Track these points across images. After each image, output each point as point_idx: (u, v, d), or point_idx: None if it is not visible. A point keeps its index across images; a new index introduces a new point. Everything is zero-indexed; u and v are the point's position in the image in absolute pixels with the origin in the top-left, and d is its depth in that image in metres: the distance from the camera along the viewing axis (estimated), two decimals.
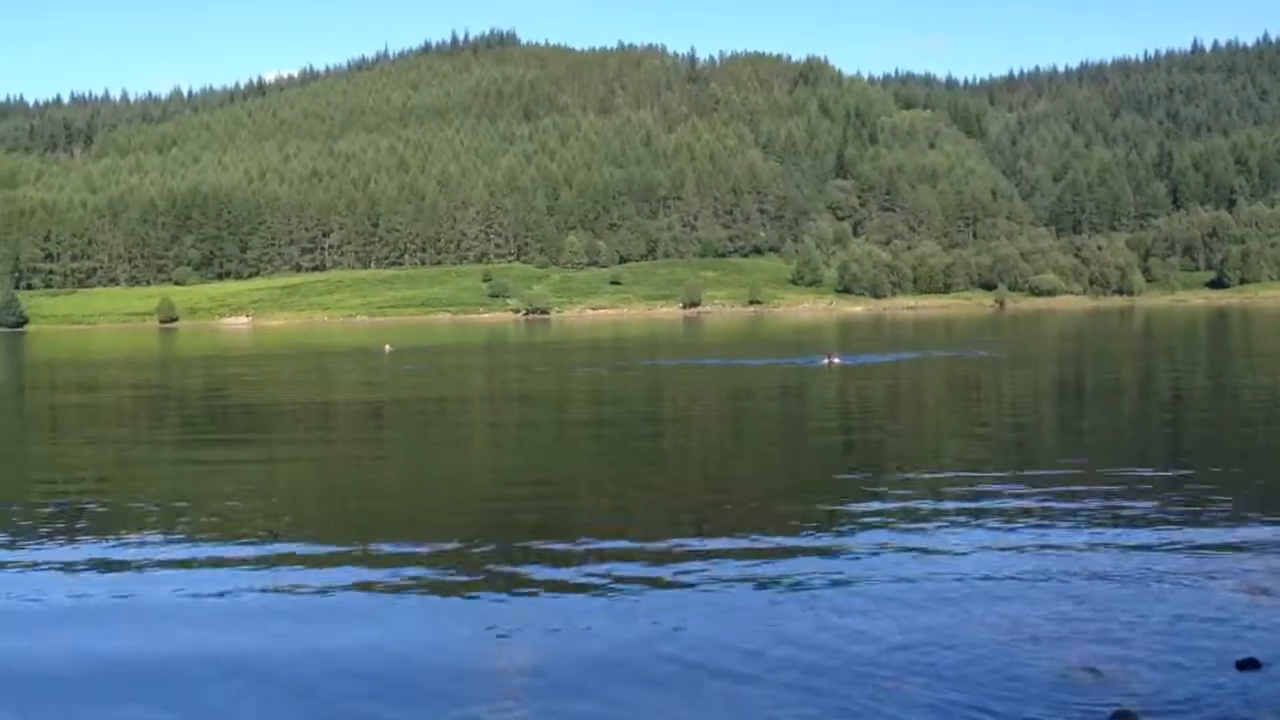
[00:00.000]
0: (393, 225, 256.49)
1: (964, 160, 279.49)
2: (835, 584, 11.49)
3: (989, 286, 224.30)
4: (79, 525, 15.53)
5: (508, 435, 28.02)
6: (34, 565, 13.27)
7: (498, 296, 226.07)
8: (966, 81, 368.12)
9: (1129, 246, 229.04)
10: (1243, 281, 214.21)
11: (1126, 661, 9.08)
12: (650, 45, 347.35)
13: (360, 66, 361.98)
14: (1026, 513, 14.90)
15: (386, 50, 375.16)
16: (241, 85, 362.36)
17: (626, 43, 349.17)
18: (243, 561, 13.10)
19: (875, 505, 15.63)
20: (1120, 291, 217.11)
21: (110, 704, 8.82)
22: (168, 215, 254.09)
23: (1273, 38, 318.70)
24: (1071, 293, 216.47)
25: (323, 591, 11.70)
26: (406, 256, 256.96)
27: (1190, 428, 25.68)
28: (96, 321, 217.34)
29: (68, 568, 13.11)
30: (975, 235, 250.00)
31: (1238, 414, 27.72)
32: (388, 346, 77.61)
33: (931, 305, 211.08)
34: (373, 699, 8.68)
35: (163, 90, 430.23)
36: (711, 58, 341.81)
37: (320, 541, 14.08)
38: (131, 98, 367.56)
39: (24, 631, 10.81)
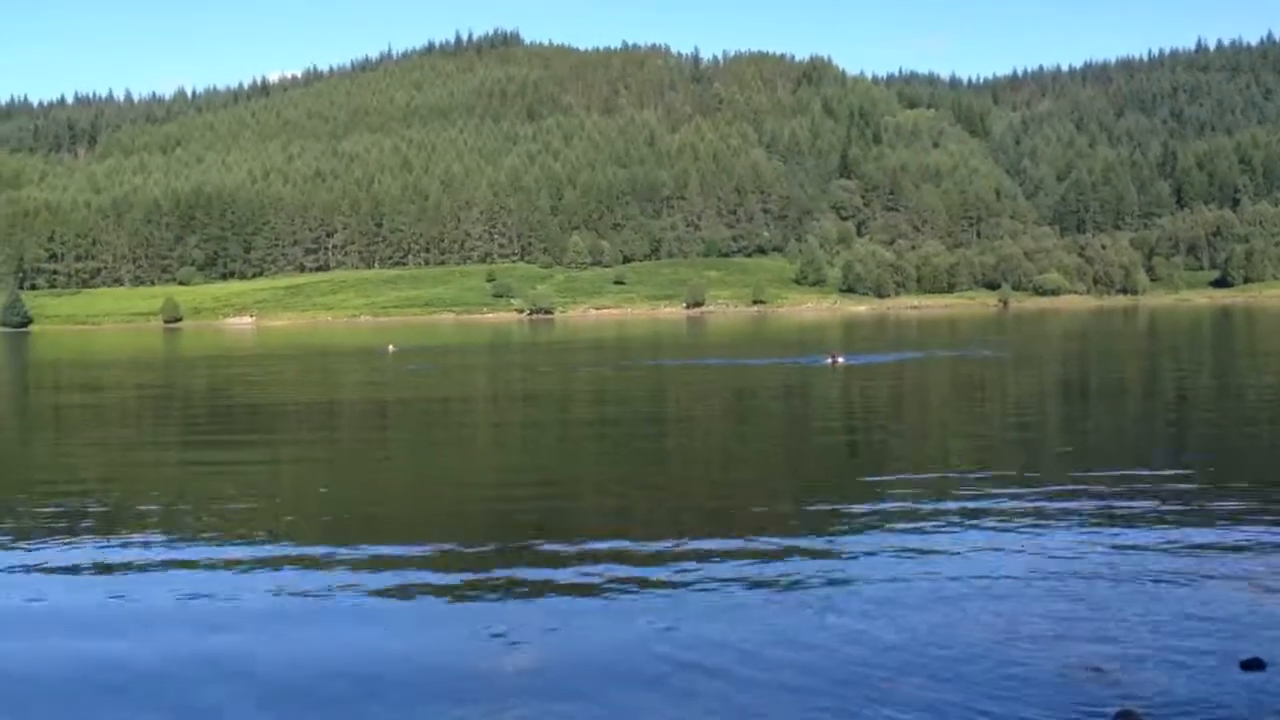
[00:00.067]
0: (396, 225, 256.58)
1: (968, 160, 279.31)
2: (835, 585, 11.47)
3: (993, 286, 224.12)
4: (80, 526, 15.52)
5: (511, 435, 28.00)
6: (35, 567, 13.25)
7: (501, 296, 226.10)
8: (970, 81, 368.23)
9: (1133, 246, 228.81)
10: (1247, 281, 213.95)
11: (1130, 661, 9.06)
12: (654, 45, 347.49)
13: (364, 66, 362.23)
14: (1029, 513, 14.86)
15: (390, 50, 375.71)
16: (245, 85, 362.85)
17: (630, 43, 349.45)
18: (244, 563, 13.08)
19: (877, 506, 15.60)
20: (1124, 291, 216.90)
21: (109, 707, 8.79)
22: (172, 215, 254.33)
23: (1277, 37, 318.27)
24: (1075, 292, 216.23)
25: (324, 593, 11.68)
26: (410, 256, 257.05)
27: (1194, 428, 25.64)
28: (101, 322, 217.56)
29: (69, 569, 13.09)
30: (979, 235, 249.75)
31: (1242, 414, 27.66)
32: (391, 347, 77.59)
33: (935, 305, 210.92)
34: (371, 700, 8.66)
35: (167, 91, 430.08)
36: (715, 57, 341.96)
37: (322, 543, 14.07)
38: (135, 98, 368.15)
39: (23, 633, 10.79)
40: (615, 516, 15.64)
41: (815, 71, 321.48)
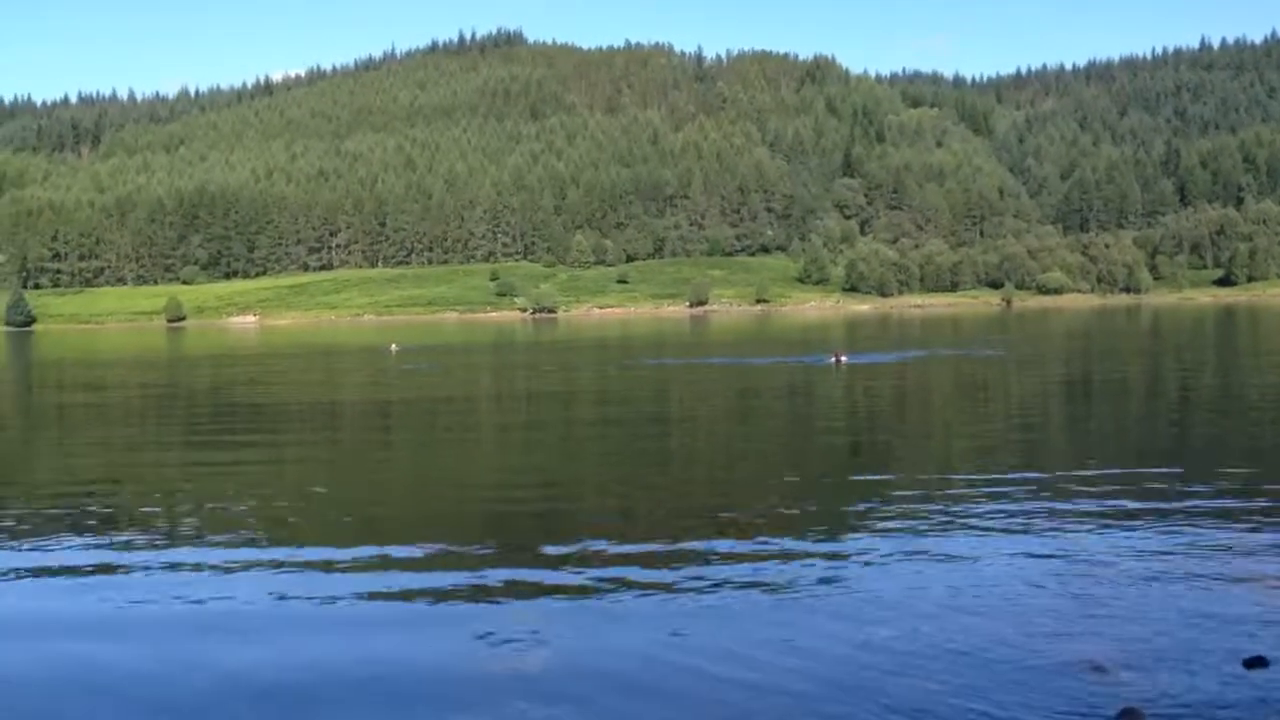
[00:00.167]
0: (400, 224, 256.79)
1: (971, 158, 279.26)
2: (836, 587, 11.44)
3: (996, 285, 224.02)
4: (81, 527, 15.51)
5: (513, 435, 27.99)
6: (34, 568, 13.24)
7: (505, 295, 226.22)
8: (974, 80, 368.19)
9: (1136, 244, 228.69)
10: (1250, 279, 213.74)
11: (1133, 659, 9.05)
12: (657, 44, 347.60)
13: (367, 66, 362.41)
14: (1032, 513, 14.84)
15: (393, 50, 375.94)
16: (249, 85, 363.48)
17: (633, 42, 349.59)
18: (244, 564, 13.06)
19: (879, 507, 15.58)
20: (1127, 289, 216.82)
21: (104, 710, 8.75)
22: (175, 215, 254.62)
23: None
24: (1079, 291, 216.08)
25: (323, 596, 11.66)
26: (413, 256, 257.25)
27: (1198, 427, 25.61)
28: (104, 321, 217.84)
29: (68, 570, 13.07)
30: (982, 233, 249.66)
31: (1246, 413, 27.63)
32: (394, 346, 77.59)
33: (938, 304, 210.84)
34: (368, 703, 8.63)
35: (170, 90, 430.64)
36: (719, 56, 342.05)
37: (322, 544, 14.06)
38: (139, 98, 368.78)
39: (19, 635, 10.77)
40: (616, 518, 15.62)
41: (819, 70, 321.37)
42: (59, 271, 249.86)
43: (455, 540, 14.10)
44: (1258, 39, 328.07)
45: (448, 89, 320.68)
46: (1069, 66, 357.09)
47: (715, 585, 11.65)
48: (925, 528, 14.17)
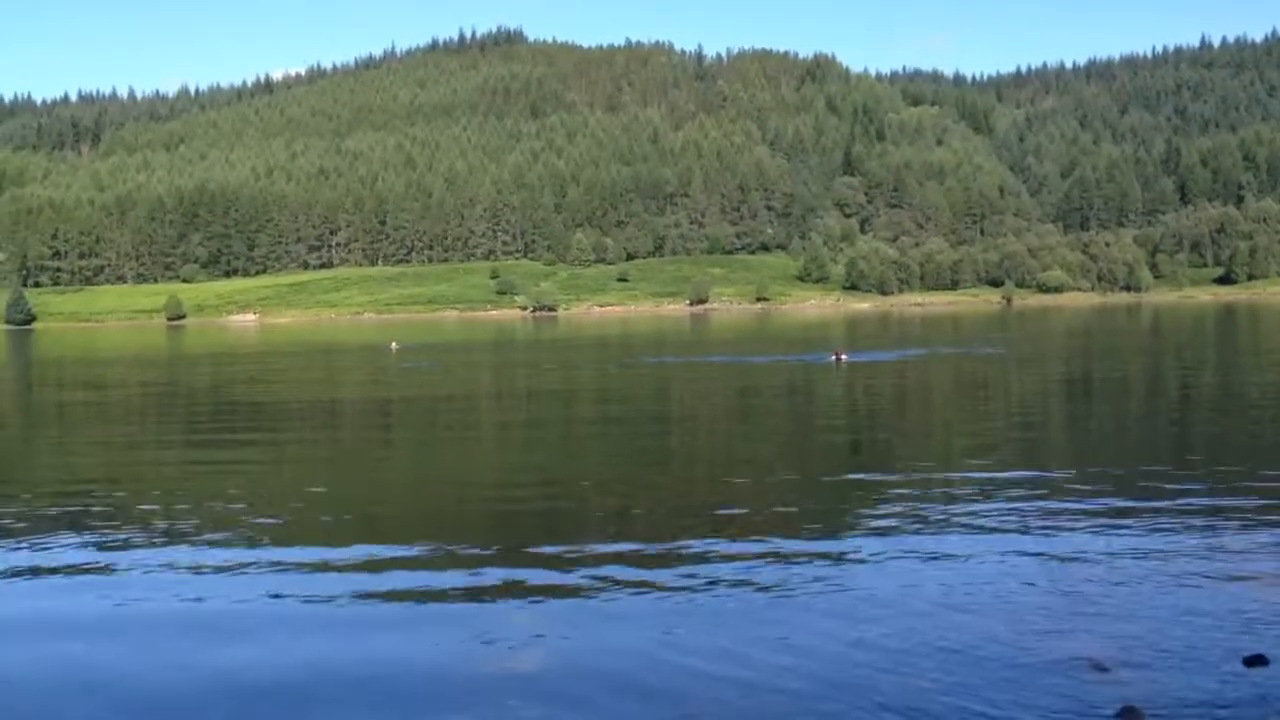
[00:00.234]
0: (400, 223, 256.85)
1: (971, 157, 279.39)
2: (836, 587, 11.41)
3: (996, 283, 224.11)
4: (80, 526, 15.49)
5: (514, 434, 28.00)
6: (32, 568, 13.21)
7: (505, 294, 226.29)
8: (974, 78, 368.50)
9: (1137, 243, 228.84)
10: (1250, 278, 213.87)
11: (1133, 658, 9.04)
12: (657, 42, 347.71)
13: (367, 64, 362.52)
14: (1030, 511, 14.83)
15: (394, 48, 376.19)
16: (249, 83, 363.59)
17: (634, 40, 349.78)
18: (243, 564, 13.03)
19: (879, 507, 15.57)
20: (1128, 288, 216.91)
21: (98, 713, 8.72)
22: (175, 213, 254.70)
23: None
24: (1079, 289, 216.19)
25: (321, 596, 11.63)
26: (414, 254, 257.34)
27: (1198, 426, 25.60)
28: (104, 319, 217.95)
29: (66, 570, 13.05)
30: (983, 232, 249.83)
31: (1246, 412, 27.63)
32: (395, 344, 77.59)
33: (939, 302, 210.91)
34: (364, 704, 8.60)
35: (170, 88, 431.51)
36: (719, 55, 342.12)
37: (321, 544, 14.04)
38: (139, 96, 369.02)
39: (14, 637, 10.75)
40: (616, 517, 15.61)
41: (819, 69, 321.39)
42: (59, 270, 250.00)
43: (454, 539, 14.10)
44: (1258, 37, 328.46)
45: (448, 87, 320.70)
46: (1069, 65, 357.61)
47: (712, 584, 11.64)
48: (923, 526, 14.16)
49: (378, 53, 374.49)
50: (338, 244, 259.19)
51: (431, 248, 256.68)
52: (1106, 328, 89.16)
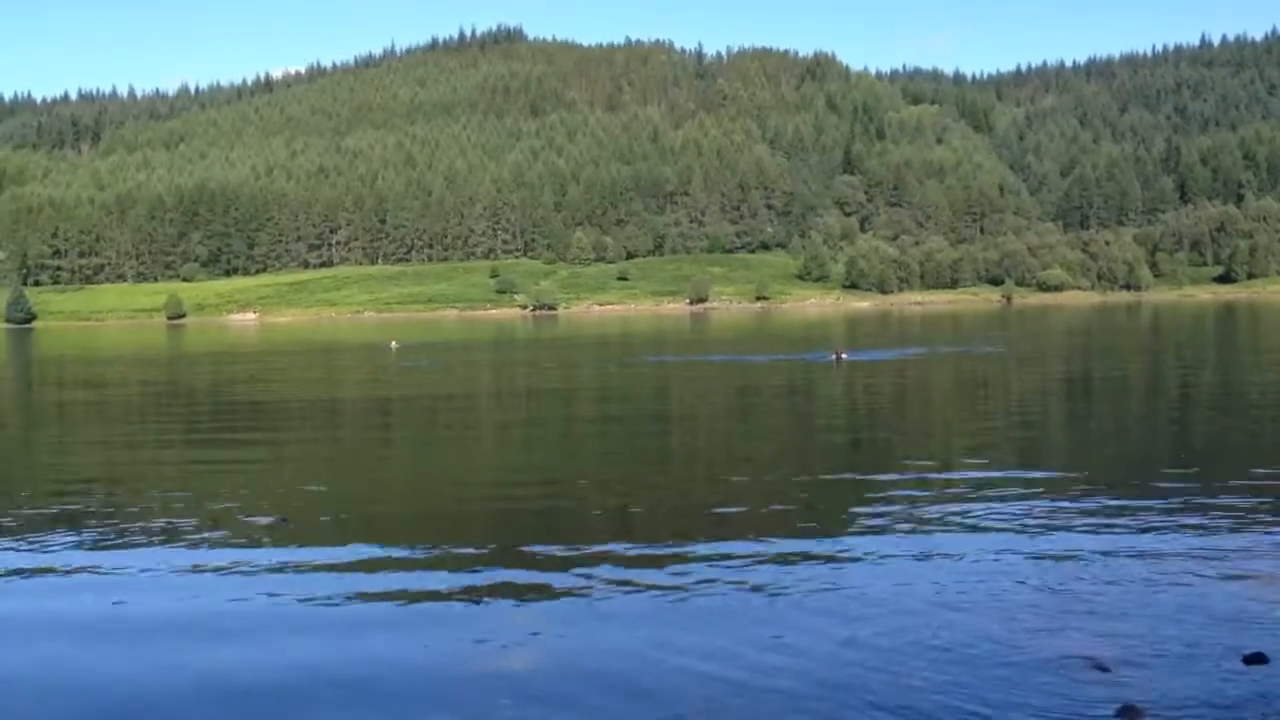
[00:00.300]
0: (400, 221, 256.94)
1: (971, 155, 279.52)
2: (834, 588, 11.38)
3: (996, 282, 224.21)
4: (78, 527, 15.46)
5: (514, 433, 27.99)
6: (31, 568, 13.19)
7: (505, 293, 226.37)
8: (974, 77, 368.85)
9: (1136, 241, 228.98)
10: (1250, 276, 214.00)
11: (1132, 657, 9.02)
12: (657, 41, 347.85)
13: (367, 63, 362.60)
14: (1029, 510, 14.81)
15: (394, 47, 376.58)
16: (249, 82, 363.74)
17: (634, 38, 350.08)
18: (240, 565, 13.00)
19: (879, 506, 15.55)
20: (1128, 287, 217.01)
21: (99, 717, 8.71)
22: (175, 212, 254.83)
23: None
24: (1079, 288, 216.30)
25: (319, 597, 11.61)
26: (414, 253, 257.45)
27: (1197, 425, 25.60)
28: (104, 318, 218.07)
29: (63, 571, 13.03)
30: (982, 230, 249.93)
31: (1246, 411, 27.63)
32: (394, 343, 77.59)
33: (939, 301, 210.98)
34: (361, 706, 8.57)
35: (170, 87, 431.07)
36: (719, 53, 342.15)
37: (320, 544, 14.02)
38: (139, 94, 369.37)
39: (14, 636, 10.72)
40: (616, 517, 15.60)
41: (819, 67, 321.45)
42: (59, 268, 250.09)
43: (453, 539, 14.09)
44: (1258, 36, 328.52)
45: (448, 86, 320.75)
46: (1069, 63, 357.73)
47: (708, 584, 11.62)
48: (920, 525, 14.15)
49: (378, 51, 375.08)
50: (338, 243, 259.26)
51: (431, 246, 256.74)
52: (1106, 326, 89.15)
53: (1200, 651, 9.11)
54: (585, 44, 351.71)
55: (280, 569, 12.78)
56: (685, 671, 9.03)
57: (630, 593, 11.40)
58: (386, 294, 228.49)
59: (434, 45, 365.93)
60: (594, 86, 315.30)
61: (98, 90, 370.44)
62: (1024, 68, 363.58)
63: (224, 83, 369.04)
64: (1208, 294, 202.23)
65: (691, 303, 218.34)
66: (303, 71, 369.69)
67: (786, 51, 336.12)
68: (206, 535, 14.60)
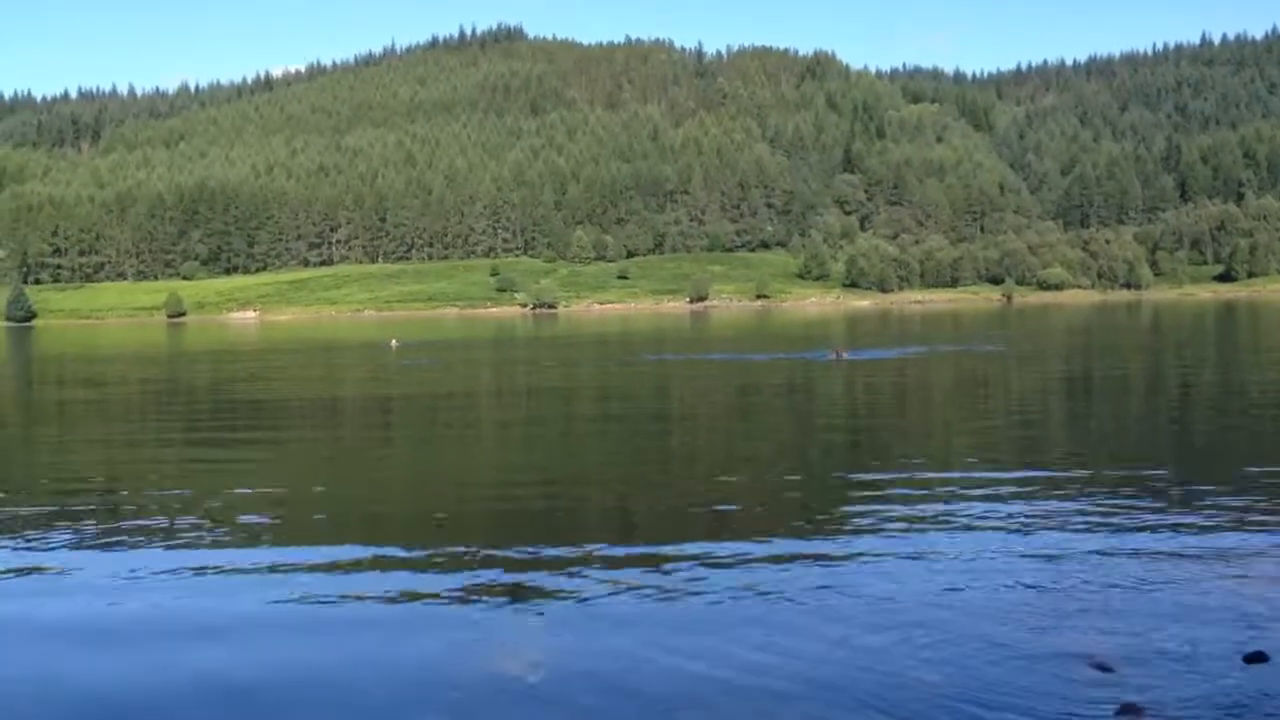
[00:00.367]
0: (400, 220, 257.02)
1: (971, 154, 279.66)
2: (834, 589, 11.34)
3: (996, 280, 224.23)
4: (76, 527, 15.43)
5: (514, 432, 27.98)
6: (30, 568, 13.17)
7: (505, 291, 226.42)
8: (974, 75, 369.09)
9: (1137, 240, 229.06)
10: (1250, 275, 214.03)
11: (1132, 656, 9.01)
12: (657, 40, 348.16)
13: (367, 62, 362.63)
14: (1028, 510, 14.80)
15: (394, 45, 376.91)
16: (249, 80, 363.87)
17: (634, 37, 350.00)
18: (239, 566, 12.97)
19: (879, 506, 15.53)
20: (1128, 285, 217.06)
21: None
22: (175, 210, 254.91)
23: None
24: (1079, 286, 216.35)
25: (317, 597, 11.59)
26: (414, 251, 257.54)
27: (1198, 424, 25.58)
28: (104, 316, 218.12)
29: (60, 571, 13.01)
30: (983, 229, 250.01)
31: (1246, 410, 27.62)
32: (395, 341, 77.58)
33: (939, 299, 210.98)
34: (358, 708, 8.55)
35: (170, 86, 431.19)
36: (719, 52, 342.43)
37: (319, 544, 14.00)
38: (139, 93, 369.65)
39: (8, 638, 10.69)
40: (616, 517, 15.60)
41: (819, 66, 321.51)
42: (59, 267, 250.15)
43: (453, 539, 14.06)
44: (1258, 35, 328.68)
45: (448, 84, 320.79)
46: (1069, 62, 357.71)
47: (705, 584, 11.59)
48: (923, 527, 14.11)
49: (378, 50, 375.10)
50: (338, 241, 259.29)
51: (431, 245, 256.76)
52: (1106, 325, 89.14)
53: (1201, 650, 9.09)
54: (585, 43, 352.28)
55: (279, 568, 12.77)
56: (680, 673, 9.01)
57: (628, 592, 11.37)
58: (386, 292, 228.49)
59: (434, 44, 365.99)
60: (594, 85, 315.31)
61: (98, 89, 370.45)
62: (1024, 66, 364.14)
63: (224, 81, 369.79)
64: (1208, 293, 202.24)
65: (691, 301, 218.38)
66: (303, 70, 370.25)
67: (786, 50, 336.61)
68: (205, 534, 14.58)
